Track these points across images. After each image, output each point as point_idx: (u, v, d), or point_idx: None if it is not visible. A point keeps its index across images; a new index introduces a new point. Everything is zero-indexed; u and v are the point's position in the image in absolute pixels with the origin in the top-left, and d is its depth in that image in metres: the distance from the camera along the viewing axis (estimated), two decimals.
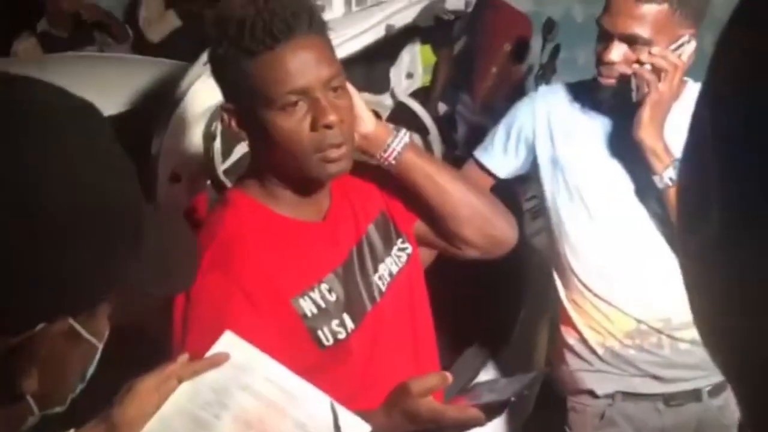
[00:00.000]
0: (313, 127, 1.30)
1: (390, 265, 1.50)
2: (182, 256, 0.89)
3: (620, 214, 1.82)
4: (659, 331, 1.85)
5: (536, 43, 4.07)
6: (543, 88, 2.00)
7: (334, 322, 1.39)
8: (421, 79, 3.08)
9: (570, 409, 2.00)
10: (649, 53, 1.66)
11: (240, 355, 1.27)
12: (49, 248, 0.66)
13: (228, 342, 1.27)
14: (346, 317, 1.41)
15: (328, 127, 1.30)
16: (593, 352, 1.92)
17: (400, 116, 2.80)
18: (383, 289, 1.48)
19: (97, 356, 0.80)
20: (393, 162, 1.48)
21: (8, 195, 0.64)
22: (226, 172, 2.22)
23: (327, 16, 1.62)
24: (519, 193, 3.33)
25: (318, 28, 1.32)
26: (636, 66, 1.68)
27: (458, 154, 3.12)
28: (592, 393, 1.95)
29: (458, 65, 3.93)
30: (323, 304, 1.38)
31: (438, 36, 3.40)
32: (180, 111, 2.15)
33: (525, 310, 2.95)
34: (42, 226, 0.65)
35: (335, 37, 1.43)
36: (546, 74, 3.53)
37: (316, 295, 1.38)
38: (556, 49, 3.59)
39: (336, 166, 1.34)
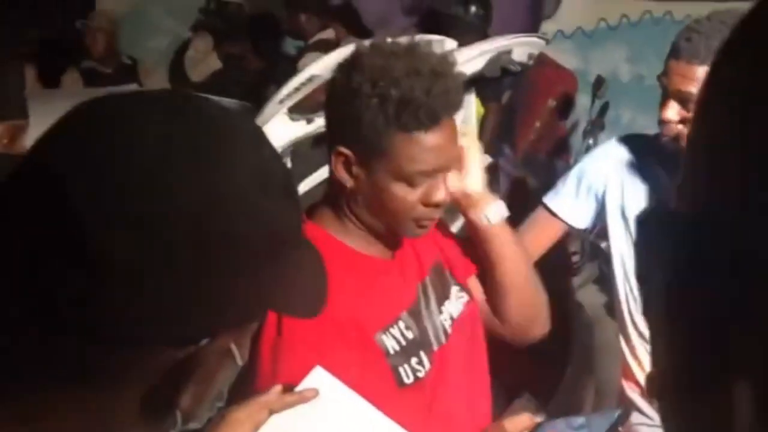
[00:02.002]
0: (426, 201, 1.33)
1: (451, 308, 1.50)
2: (317, 280, 0.89)
3: None
4: None
5: (580, 100, 4.11)
6: (615, 139, 2.01)
7: (414, 360, 1.38)
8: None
9: None
10: None
11: (328, 390, 1.26)
12: (223, 268, 0.66)
13: (317, 377, 1.27)
14: (423, 355, 1.40)
15: (438, 205, 1.35)
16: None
17: None
18: (448, 330, 1.48)
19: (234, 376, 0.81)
20: (483, 225, 1.49)
21: (192, 213, 0.64)
22: None
23: None
24: (566, 248, 3.35)
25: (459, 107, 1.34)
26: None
27: None
28: None
29: (502, 118, 3.97)
30: (403, 342, 1.37)
31: (487, 89, 3.44)
32: None
33: (571, 364, 2.95)
34: (220, 247, 0.66)
35: None
36: (594, 130, 3.54)
37: (396, 332, 1.37)
38: (605, 107, 3.61)
39: (425, 231, 1.39)
